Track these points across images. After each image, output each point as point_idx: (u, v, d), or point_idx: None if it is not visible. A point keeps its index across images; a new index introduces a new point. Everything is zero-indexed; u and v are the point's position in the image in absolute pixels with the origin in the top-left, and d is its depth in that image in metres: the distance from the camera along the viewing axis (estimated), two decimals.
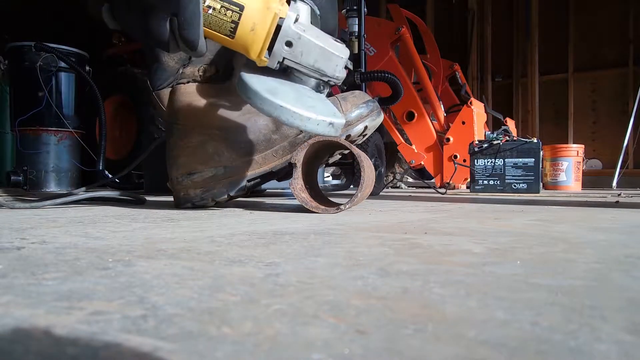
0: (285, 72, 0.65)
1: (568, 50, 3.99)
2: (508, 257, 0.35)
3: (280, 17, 0.61)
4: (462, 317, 0.20)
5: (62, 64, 1.86)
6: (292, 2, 0.63)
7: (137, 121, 2.05)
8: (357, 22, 1.62)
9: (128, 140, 2.11)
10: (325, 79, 0.65)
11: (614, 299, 0.23)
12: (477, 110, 2.49)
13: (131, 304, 0.21)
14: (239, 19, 0.61)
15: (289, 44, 0.62)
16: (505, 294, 0.24)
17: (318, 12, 0.70)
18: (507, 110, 3.88)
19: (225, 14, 0.61)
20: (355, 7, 1.62)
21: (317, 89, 0.67)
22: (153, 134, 1.90)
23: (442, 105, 2.65)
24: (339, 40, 0.65)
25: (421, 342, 0.17)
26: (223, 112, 0.85)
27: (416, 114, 2.52)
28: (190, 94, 0.85)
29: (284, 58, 0.62)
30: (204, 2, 0.60)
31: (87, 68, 1.94)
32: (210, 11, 0.61)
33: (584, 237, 0.47)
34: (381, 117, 0.88)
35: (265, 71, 0.65)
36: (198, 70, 0.85)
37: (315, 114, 0.62)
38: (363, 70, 1.59)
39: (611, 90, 3.82)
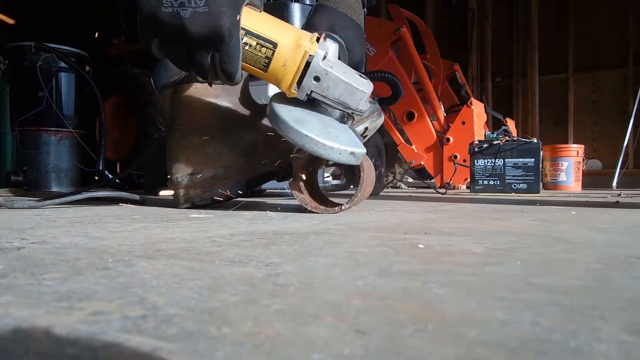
0: (312, 103, 0.69)
1: (568, 50, 3.98)
2: (508, 257, 0.35)
3: (309, 55, 0.65)
4: (462, 317, 0.20)
5: (62, 64, 1.86)
6: (321, 40, 0.66)
7: (137, 121, 2.05)
8: None
9: (128, 140, 2.11)
10: (349, 111, 0.69)
11: (614, 299, 0.23)
12: (477, 110, 2.49)
13: (131, 304, 0.21)
14: (272, 55, 0.66)
15: (316, 78, 0.66)
16: (505, 294, 0.24)
17: (345, 46, 0.73)
18: (507, 111, 3.88)
19: (260, 50, 0.66)
20: None
21: (342, 119, 0.70)
22: (153, 134, 1.90)
23: (442, 105, 2.65)
24: (363, 75, 0.69)
25: (421, 342, 0.17)
26: (224, 112, 0.85)
27: (416, 114, 2.52)
28: (192, 94, 0.85)
29: (311, 91, 0.66)
30: (242, 39, 0.65)
31: (87, 68, 1.94)
32: (247, 47, 0.66)
33: (584, 237, 0.47)
34: (382, 119, 0.88)
35: (294, 101, 0.69)
36: None
37: (339, 144, 0.66)
38: (363, 70, 1.58)
39: (611, 90, 3.82)
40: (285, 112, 0.67)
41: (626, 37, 3.76)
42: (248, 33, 0.66)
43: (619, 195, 1.70)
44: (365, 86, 0.68)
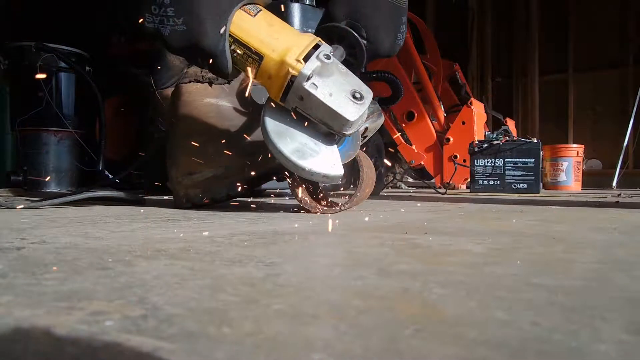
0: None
1: (568, 50, 3.98)
2: (508, 257, 0.35)
3: (292, 75, 0.64)
4: (462, 317, 0.20)
5: (62, 64, 1.86)
6: (311, 58, 0.64)
7: (137, 121, 2.05)
8: None
9: (128, 140, 2.11)
10: (333, 132, 0.67)
11: (614, 299, 0.23)
12: (477, 110, 2.49)
13: (131, 304, 0.21)
14: (258, 67, 0.67)
15: (300, 97, 0.64)
16: (505, 294, 0.24)
17: (365, 37, 0.71)
18: (507, 110, 3.87)
19: (247, 60, 0.67)
20: None
21: (328, 135, 0.68)
22: (153, 134, 1.90)
23: (442, 105, 2.65)
24: (360, 94, 0.65)
25: (421, 342, 0.17)
26: (224, 112, 0.85)
27: (416, 114, 2.52)
28: (193, 94, 0.85)
29: (296, 106, 0.66)
30: (230, 47, 0.67)
31: (87, 68, 1.94)
32: (234, 54, 0.67)
33: (584, 237, 0.47)
34: (382, 119, 0.88)
35: (286, 110, 0.68)
36: (201, 71, 0.85)
37: (311, 165, 0.65)
38: (363, 70, 1.58)
39: (611, 90, 3.82)
40: (272, 121, 0.67)
41: (626, 37, 3.76)
42: (236, 42, 0.66)
43: (619, 195, 1.70)
44: (351, 113, 0.64)
